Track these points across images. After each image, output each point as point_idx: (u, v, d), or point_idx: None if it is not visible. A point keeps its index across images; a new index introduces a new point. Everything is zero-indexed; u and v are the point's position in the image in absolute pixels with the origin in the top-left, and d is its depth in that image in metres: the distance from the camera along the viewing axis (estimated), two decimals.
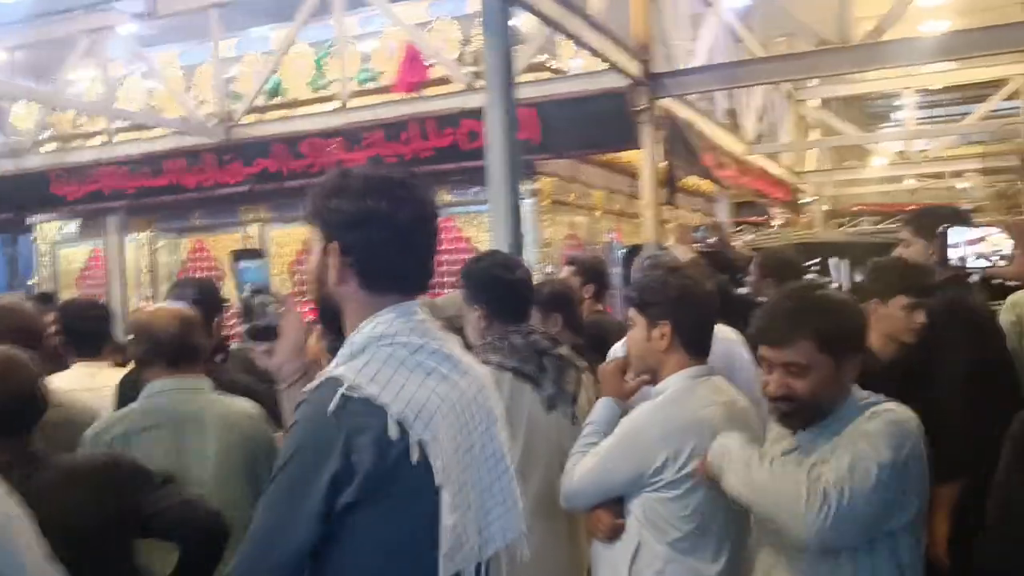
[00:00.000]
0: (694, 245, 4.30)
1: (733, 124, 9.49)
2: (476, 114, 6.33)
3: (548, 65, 6.74)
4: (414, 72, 6.95)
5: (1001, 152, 10.15)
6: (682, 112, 6.92)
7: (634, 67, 5.90)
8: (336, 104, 7.00)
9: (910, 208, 17.47)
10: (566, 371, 2.75)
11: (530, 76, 6.56)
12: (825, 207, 17.28)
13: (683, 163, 6.74)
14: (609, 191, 8.13)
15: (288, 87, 7.56)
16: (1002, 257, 2.04)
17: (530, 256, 6.83)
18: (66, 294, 8.39)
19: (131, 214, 8.19)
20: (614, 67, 5.77)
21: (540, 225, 6.92)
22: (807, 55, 5.82)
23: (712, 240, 4.34)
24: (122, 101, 8.19)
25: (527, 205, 6.81)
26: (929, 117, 20.67)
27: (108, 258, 8.10)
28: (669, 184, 8.81)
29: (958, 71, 13.01)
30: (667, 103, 6.56)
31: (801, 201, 13.86)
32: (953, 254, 2.05)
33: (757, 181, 9.60)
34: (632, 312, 2.43)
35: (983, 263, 2.07)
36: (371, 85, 7.26)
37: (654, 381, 2.40)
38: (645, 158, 6.03)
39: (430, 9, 7.26)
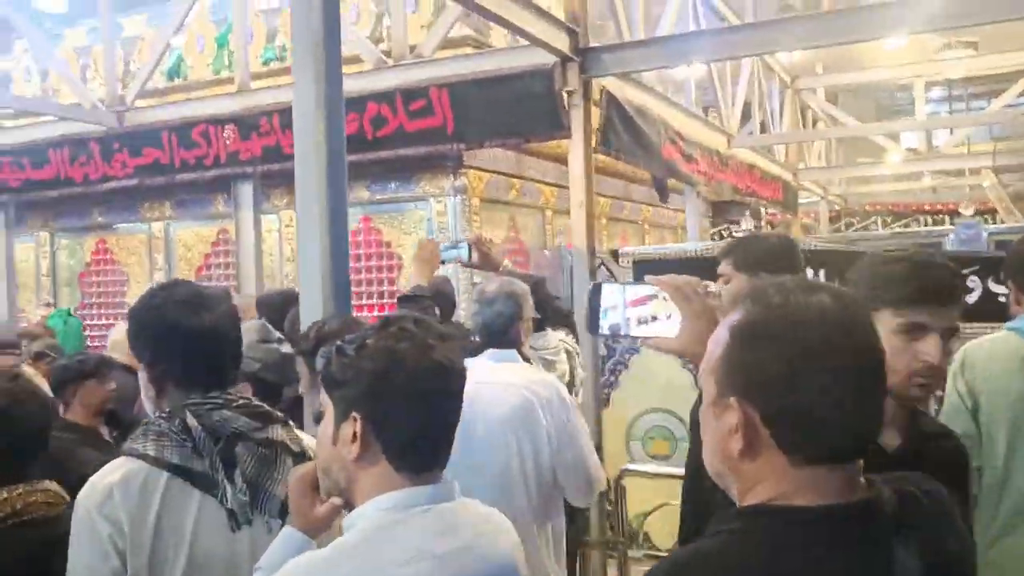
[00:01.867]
0: (443, 264, 3.47)
1: (715, 115, 8.51)
2: (385, 97, 5.45)
3: (475, 40, 5.79)
4: None
5: (1015, 150, 9.07)
6: (636, 96, 5.95)
7: (561, 40, 4.92)
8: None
9: (928, 208, 16.38)
10: (271, 464, 1.80)
11: (449, 53, 5.64)
12: (837, 207, 16.30)
13: (630, 154, 5.76)
14: (563, 187, 7.17)
15: (190, 68, 6.66)
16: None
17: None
18: None
19: (25, 210, 7.34)
20: (534, 41, 4.81)
21: (470, 227, 5.98)
22: (769, 25, 4.81)
23: (475, 258, 3.46)
24: (18, 84, 7.37)
25: (451, 204, 5.91)
26: (947, 112, 19.54)
27: None
28: (657, 184, 7.87)
29: (975, 58, 11.93)
30: (615, 86, 5.60)
31: (802, 201, 12.83)
32: (608, 320, 1.52)
33: (741, 178, 8.59)
34: (323, 394, 1.49)
35: (645, 331, 1.51)
36: (276, 65, 6.36)
37: (348, 507, 1.46)
38: (575, 148, 5.05)
39: None
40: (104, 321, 7.14)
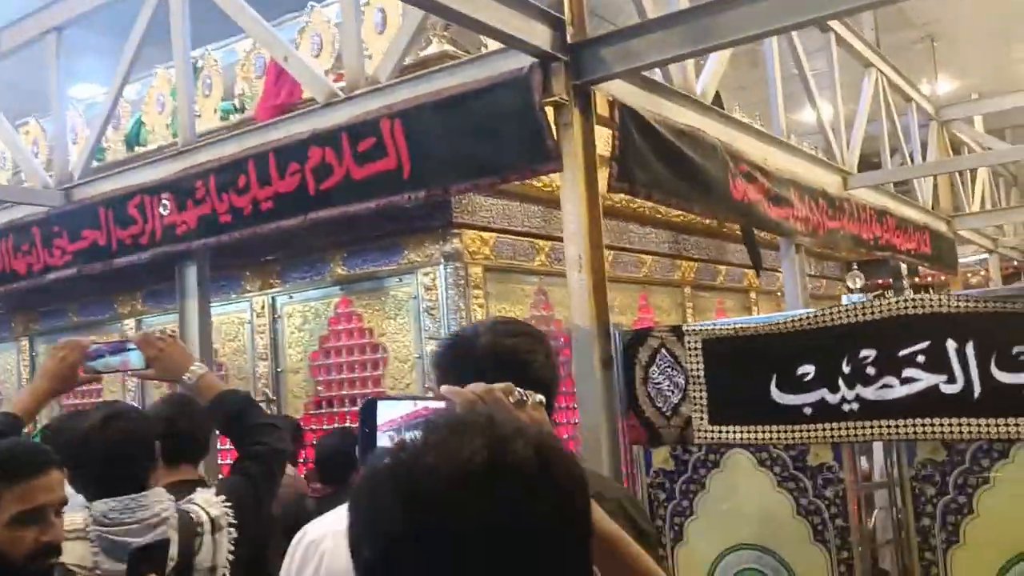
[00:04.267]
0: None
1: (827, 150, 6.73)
2: (329, 138, 4.11)
3: (457, 57, 4.39)
4: (278, 92, 4.79)
5: None
6: (676, 112, 4.35)
7: (540, 33, 3.46)
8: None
9: None
10: None
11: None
12: (1015, 262, 13.88)
13: (670, 193, 4.14)
14: (618, 248, 5.62)
15: (150, 132, 5.59)
16: None
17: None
18: None
19: (9, 313, 6.43)
20: (501, 38, 3.37)
21: (468, 304, 4.50)
22: None
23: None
24: None
25: (440, 275, 4.47)
26: None
27: None
28: (748, 243, 6.23)
29: None
30: (637, 96, 4.03)
31: (967, 258, 10.62)
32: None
33: (866, 227, 6.73)
34: None
35: None
36: (237, 118, 5.17)
37: None
38: (567, 183, 3.52)
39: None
40: None
